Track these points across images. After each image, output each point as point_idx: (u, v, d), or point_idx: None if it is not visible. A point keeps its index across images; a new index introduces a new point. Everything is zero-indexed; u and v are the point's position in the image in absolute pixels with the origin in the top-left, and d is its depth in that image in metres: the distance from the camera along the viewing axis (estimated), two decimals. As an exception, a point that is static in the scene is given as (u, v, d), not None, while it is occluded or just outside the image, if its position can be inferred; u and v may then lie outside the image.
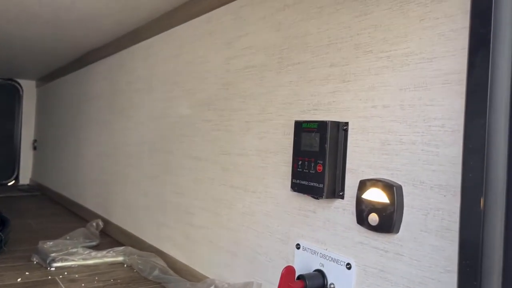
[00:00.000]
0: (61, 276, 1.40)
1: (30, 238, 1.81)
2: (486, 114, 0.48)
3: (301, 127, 0.91)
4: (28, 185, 3.69)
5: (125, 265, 1.54)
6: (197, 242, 1.34)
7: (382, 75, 0.79)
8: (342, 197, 0.85)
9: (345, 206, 0.85)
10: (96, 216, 2.09)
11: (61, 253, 1.52)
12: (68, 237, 1.74)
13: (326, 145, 0.85)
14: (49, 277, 1.39)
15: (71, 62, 2.74)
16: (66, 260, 1.50)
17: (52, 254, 1.50)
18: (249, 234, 1.11)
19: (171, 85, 1.57)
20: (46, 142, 3.43)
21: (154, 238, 1.60)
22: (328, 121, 0.85)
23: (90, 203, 2.30)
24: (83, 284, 1.33)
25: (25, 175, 3.79)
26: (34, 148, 3.75)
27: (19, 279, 1.35)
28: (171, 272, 1.37)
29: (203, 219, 1.32)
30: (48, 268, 1.46)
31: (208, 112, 1.33)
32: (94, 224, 1.92)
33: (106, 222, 2.00)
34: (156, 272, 1.37)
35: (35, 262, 1.52)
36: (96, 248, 1.69)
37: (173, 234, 1.48)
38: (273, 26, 1.06)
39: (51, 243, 1.62)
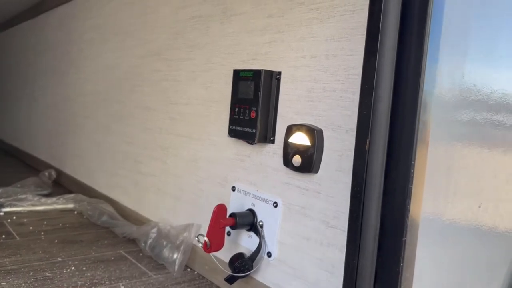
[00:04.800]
0: (9, 220, 1.42)
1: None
2: (376, 54, 0.53)
3: (238, 76, 0.95)
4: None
5: (76, 212, 1.57)
6: (145, 189, 1.39)
7: (311, 26, 0.83)
8: (273, 142, 0.91)
9: (275, 150, 0.91)
10: (49, 166, 2.10)
11: (10, 199, 1.53)
12: (19, 185, 1.75)
13: (259, 93, 0.90)
14: (-3, 220, 1.41)
15: (24, 10, 2.64)
16: (15, 205, 1.52)
17: (1, 200, 1.51)
18: (192, 179, 1.16)
19: (124, 35, 1.57)
20: None
21: (105, 187, 1.63)
22: (262, 70, 0.89)
23: (43, 154, 2.29)
24: (31, 227, 1.37)
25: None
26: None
27: (-35, 222, 1.37)
28: (119, 217, 1.42)
29: (151, 167, 1.36)
30: (-3, 213, 1.48)
31: (158, 62, 1.35)
32: (47, 173, 1.93)
33: (59, 172, 2.01)
34: (104, 218, 1.42)
35: (-17, 207, 1.53)
36: (48, 197, 1.71)
37: (123, 182, 1.52)
38: (219, -24, 1.08)
39: (0, 189, 1.63)
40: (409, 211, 0.51)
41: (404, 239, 0.51)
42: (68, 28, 2.07)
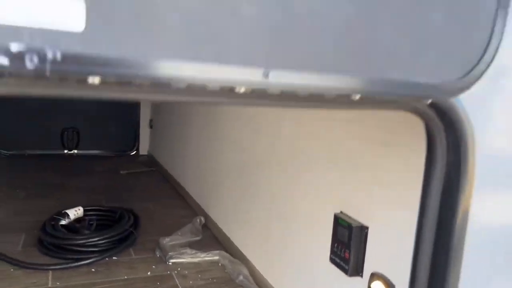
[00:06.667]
0: (175, 272, 1.97)
1: (152, 228, 2.43)
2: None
3: None
4: (146, 155, 4.47)
5: (220, 264, 2.07)
6: (278, 259, 1.80)
7: None
8: None
9: None
10: (197, 205, 2.65)
11: (175, 253, 2.09)
12: (179, 233, 2.32)
13: None
14: (168, 272, 1.97)
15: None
16: (179, 257, 2.07)
17: (170, 253, 2.08)
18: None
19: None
20: (160, 122, 4.10)
21: (242, 245, 2.10)
22: None
23: (192, 191, 2.87)
24: (190, 282, 1.89)
25: (144, 148, 4.57)
26: (151, 126, 4.48)
27: (149, 273, 1.95)
28: (251, 280, 1.86)
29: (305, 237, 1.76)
30: (167, 263, 2.05)
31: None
32: (198, 220, 2.49)
33: (205, 216, 2.55)
34: (241, 277, 1.88)
35: (158, 256, 2.12)
36: (199, 242, 2.25)
37: (267, 256, 1.95)
38: None
39: (168, 239, 2.21)
40: None
41: None
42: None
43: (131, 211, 2.46)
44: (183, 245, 2.20)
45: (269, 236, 1.81)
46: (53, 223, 2.18)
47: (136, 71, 0.46)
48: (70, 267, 1.92)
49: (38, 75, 0.42)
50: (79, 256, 1.99)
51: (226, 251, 2.14)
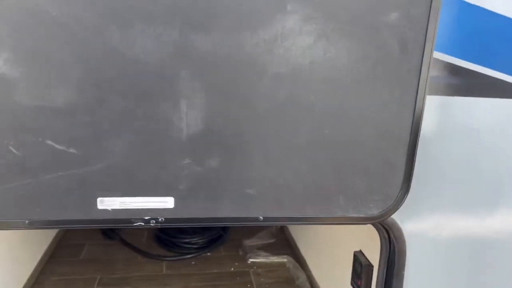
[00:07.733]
0: (252, 270, 2.59)
1: (239, 231, 3.07)
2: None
3: None
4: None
5: (286, 266, 2.64)
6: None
7: None
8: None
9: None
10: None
11: (254, 254, 2.71)
12: (259, 236, 2.93)
13: None
14: (246, 269, 2.60)
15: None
16: (256, 257, 2.69)
17: (249, 253, 2.71)
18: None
19: None
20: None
21: (305, 253, 2.63)
22: None
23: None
24: (262, 279, 2.50)
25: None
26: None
27: (232, 268, 2.60)
28: (307, 284, 2.40)
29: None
30: (247, 261, 2.67)
31: None
32: (273, 227, 3.08)
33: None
34: (299, 280, 2.43)
35: (240, 254, 2.75)
36: (273, 244, 2.84)
37: (321, 267, 2.48)
38: None
39: (249, 240, 2.84)
40: None
41: None
42: None
43: (223, 215, 3.12)
44: (261, 247, 2.81)
45: (323, 253, 2.32)
46: (166, 223, 2.94)
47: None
48: (179, 259, 2.65)
49: (155, 227, 1.02)
50: (184, 251, 2.71)
51: (293, 255, 2.70)
